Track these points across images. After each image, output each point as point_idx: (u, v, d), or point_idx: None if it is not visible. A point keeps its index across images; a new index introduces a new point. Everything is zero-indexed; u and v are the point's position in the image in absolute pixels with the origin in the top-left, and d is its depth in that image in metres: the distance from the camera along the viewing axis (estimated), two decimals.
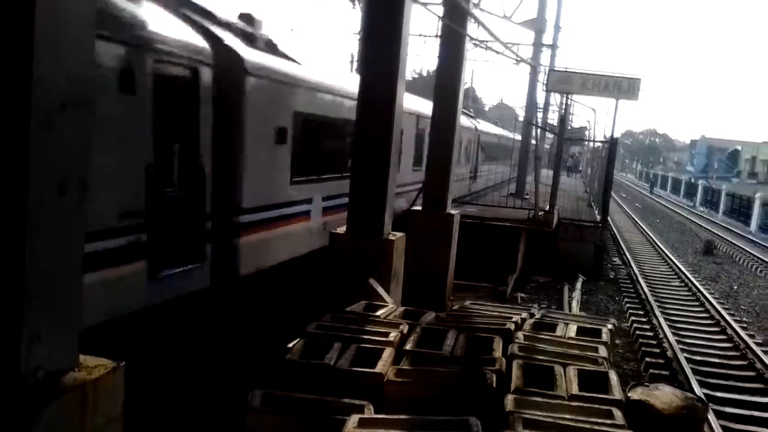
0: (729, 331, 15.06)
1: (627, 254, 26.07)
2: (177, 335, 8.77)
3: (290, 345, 6.22)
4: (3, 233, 3.34)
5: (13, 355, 3.32)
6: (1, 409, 3.22)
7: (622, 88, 21.11)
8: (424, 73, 61.99)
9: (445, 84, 13.90)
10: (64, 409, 3.42)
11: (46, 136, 3.35)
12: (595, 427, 4.53)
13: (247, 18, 11.40)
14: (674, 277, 21.98)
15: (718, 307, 17.11)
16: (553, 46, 31.23)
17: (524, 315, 7.61)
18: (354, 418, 4.49)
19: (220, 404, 8.33)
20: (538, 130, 27.04)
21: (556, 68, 26.92)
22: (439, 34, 14.33)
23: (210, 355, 9.20)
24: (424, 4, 13.53)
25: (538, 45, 29.81)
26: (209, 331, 9.52)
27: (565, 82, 22.00)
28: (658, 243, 29.83)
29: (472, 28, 14.76)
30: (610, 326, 7.31)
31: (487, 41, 21.20)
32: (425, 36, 26.46)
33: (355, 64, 30.15)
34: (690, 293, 19.23)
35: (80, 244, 3.79)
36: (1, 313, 3.36)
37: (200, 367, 8.88)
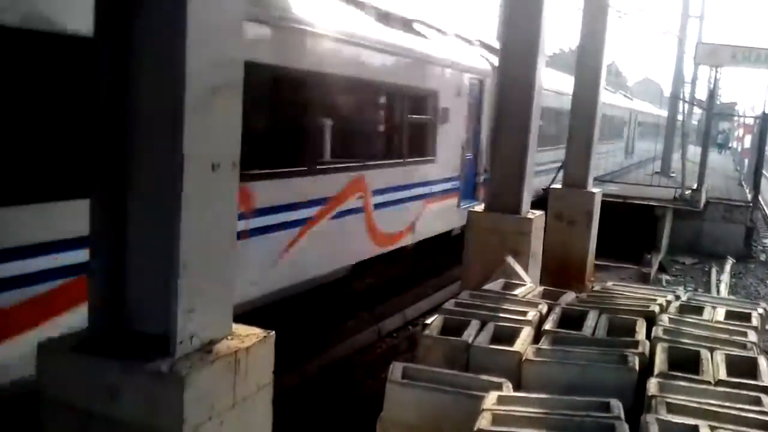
0: None
1: None
2: None
3: (428, 321, 6.28)
4: (160, 211, 3.53)
5: (169, 324, 3.51)
6: (158, 375, 3.40)
7: None
8: (566, 50, 60.68)
9: (587, 59, 13.58)
10: (216, 375, 3.58)
11: (201, 119, 3.51)
12: (742, 414, 4.36)
13: None
14: None
15: None
16: (701, 18, 29.85)
17: (669, 297, 7.38)
18: (493, 395, 4.50)
19: None
20: (685, 105, 25.99)
21: (704, 41, 25.74)
22: (581, 7, 13.97)
23: None
24: None
25: (685, 16, 28.63)
26: None
27: (714, 55, 21.09)
28: None
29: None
30: (761, 310, 6.99)
31: (631, 13, 20.52)
32: (567, 9, 25.87)
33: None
34: None
35: (233, 220, 3.95)
36: (160, 284, 3.55)
37: None
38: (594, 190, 13.89)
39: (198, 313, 3.59)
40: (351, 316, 11.54)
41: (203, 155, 3.54)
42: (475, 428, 4.11)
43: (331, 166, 9.64)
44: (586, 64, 13.61)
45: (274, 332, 4.01)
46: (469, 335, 5.75)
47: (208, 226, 3.64)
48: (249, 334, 3.90)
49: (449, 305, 6.59)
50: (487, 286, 7.56)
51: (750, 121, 39.72)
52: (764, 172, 25.12)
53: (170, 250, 3.47)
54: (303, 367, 8.83)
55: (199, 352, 3.60)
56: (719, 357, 5.33)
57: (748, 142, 46.79)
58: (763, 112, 23.37)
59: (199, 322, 3.61)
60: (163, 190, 3.52)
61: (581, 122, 13.74)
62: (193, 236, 3.51)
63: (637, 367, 5.16)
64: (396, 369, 5.05)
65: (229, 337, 3.83)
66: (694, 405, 4.45)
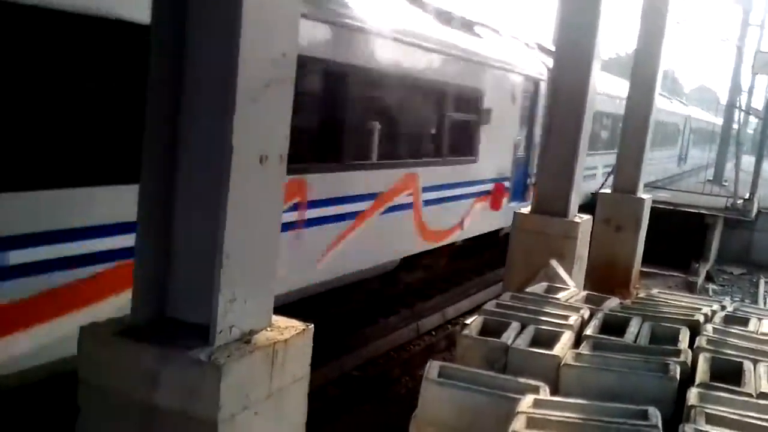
0: None
1: None
2: None
3: (468, 321, 6.27)
4: (206, 201, 3.59)
5: (210, 314, 3.56)
6: (197, 363, 3.45)
7: None
8: (623, 54, 59.90)
9: (643, 64, 13.44)
10: (253, 365, 3.63)
11: (251, 112, 3.56)
12: None
13: None
14: None
15: None
16: (762, 26, 29.28)
17: (715, 307, 7.26)
18: (529, 398, 4.48)
19: None
20: (741, 114, 25.55)
21: (763, 50, 25.26)
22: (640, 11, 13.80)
23: None
24: None
25: (745, 24, 28.14)
26: None
27: None
28: None
29: (674, 4, 14.07)
30: None
31: (689, 19, 20.25)
32: (625, 13, 25.64)
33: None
34: None
35: (278, 212, 3.99)
36: (202, 274, 3.61)
37: None
38: (644, 196, 13.72)
39: (239, 304, 3.64)
40: (391, 312, 11.58)
41: (252, 147, 3.59)
42: (510, 430, 4.10)
43: None
44: (642, 69, 13.46)
45: (312, 325, 4.04)
46: (508, 337, 5.72)
47: (253, 217, 3.69)
48: (288, 326, 3.94)
49: (490, 306, 6.57)
50: (529, 289, 7.51)
51: None
52: None
53: (214, 240, 3.52)
54: (341, 360, 8.86)
55: (237, 342, 3.65)
56: (763, 369, 5.23)
57: None
58: None
59: (239, 312, 3.66)
60: (210, 181, 3.58)
61: (634, 127, 13.60)
62: (238, 227, 3.56)
63: (678, 377, 5.08)
64: (433, 367, 5.04)
65: (268, 329, 3.88)
66: (734, 417, 4.37)
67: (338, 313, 11.13)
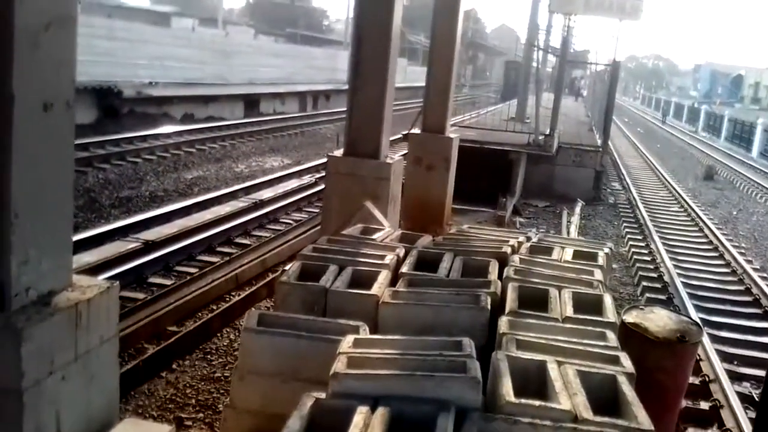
0: (727, 256, 15.11)
1: (627, 179, 26.06)
2: None
3: (287, 267, 6.22)
4: None
5: (2, 277, 3.31)
6: None
7: (626, 8, 20.97)
8: None
9: (445, 4, 13.64)
10: (56, 328, 3.42)
11: (32, 56, 3.27)
12: (588, 349, 4.53)
13: None
14: (674, 202, 21.98)
15: (717, 232, 17.16)
16: None
17: (521, 239, 7.56)
18: (349, 338, 4.49)
19: None
20: (540, 53, 26.67)
21: None
22: None
23: None
24: None
25: None
26: None
27: (569, 3, 21.72)
28: (659, 168, 29.78)
29: None
30: (606, 250, 7.27)
31: None
32: None
33: None
34: (689, 218, 19.25)
35: (69, 163, 3.73)
36: None
37: None
38: (452, 135, 14.07)
39: (34, 264, 3.39)
40: (208, 263, 11.37)
41: (34, 95, 3.31)
42: (331, 372, 4.10)
43: None
44: (445, 9, 13.66)
45: (117, 283, 3.85)
46: (326, 280, 5.72)
47: (42, 171, 3.42)
48: (91, 285, 3.73)
49: (307, 251, 6.53)
50: (345, 231, 7.54)
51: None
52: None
53: (0, 198, 3.25)
54: (157, 315, 8.59)
55: (36, 304, 3.41)
56: (567, 295, 5.51)
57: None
58: (614, 60, 24.24)
59: (35, 273, 3.42)
60: None
61: (439, 68, 13.84)
62: (25, 183, 3.29)
63: (489, 307, 5.27)
64: (252, 316, 4.97)
65: (69, 289, 3.65)
66: (543, 341, 4.58)
67: (156, 268, 10.81)
